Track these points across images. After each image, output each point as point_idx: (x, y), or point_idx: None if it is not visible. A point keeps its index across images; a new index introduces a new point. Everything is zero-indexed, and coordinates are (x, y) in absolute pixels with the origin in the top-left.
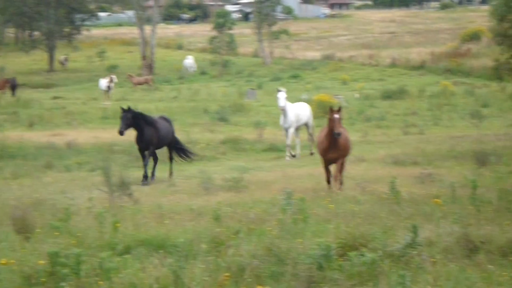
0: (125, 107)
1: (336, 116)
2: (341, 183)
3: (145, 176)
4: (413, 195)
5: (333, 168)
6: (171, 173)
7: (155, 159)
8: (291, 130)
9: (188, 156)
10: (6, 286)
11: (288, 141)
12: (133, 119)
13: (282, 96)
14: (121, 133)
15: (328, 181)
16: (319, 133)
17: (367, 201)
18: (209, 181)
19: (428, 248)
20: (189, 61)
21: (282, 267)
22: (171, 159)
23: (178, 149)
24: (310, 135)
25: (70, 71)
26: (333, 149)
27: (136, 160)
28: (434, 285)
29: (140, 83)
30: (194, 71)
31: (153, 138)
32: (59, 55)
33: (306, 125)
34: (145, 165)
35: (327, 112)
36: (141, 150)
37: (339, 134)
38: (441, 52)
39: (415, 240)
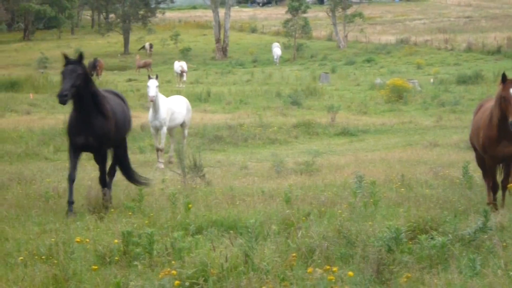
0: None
1: None
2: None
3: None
4: None
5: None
6: (108, 200)
7: (112, 171)
8: (164, 130)
9: (136, 180)
10: (80, 264)
11: (162, 144)
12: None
13: (153, 84)
14: (63, 98)
15: (495, 191)
16: (476, 115)
17: (439, 185)
18: (281, 165)
19: (499, 233)
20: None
21: (351, 249)
22: (113, 171)
23: (123, 157)
24: (184, 137)
25: (145, 54)
26: (506, 141)
27: (209, 143)
28: (505, 269)
29: (140, 66)
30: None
31: (107, 128)
32: (134, 38)
33: (181, 125)
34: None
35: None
36: (81, 150)
37: None
38: None
39: (486, 224)
